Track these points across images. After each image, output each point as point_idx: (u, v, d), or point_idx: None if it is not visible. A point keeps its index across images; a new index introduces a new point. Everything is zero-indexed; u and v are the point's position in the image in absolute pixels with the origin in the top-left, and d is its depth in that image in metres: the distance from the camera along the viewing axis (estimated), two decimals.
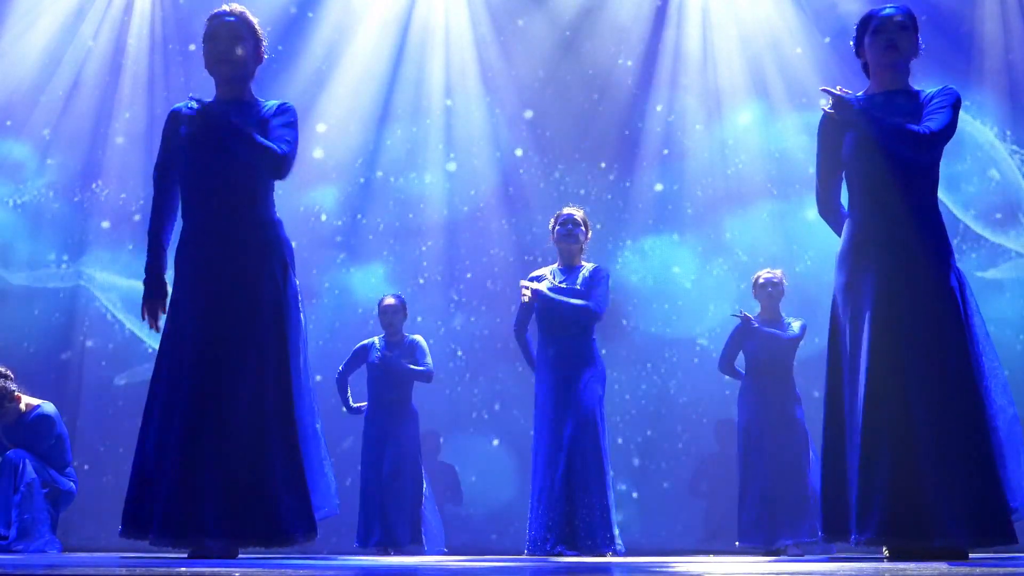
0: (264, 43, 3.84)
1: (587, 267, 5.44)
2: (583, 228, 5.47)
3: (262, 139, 3.60)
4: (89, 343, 8.01)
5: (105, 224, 8.13)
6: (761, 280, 6.42)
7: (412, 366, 6.54)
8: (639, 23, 8.44)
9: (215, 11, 3.80)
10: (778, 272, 6.47)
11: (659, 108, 8.33)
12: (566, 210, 5.56)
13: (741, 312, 6.35)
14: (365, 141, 8.40)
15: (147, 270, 3.72)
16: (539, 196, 8.24)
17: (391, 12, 8.54)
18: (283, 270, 3.68)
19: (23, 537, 5.82)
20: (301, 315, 3.75)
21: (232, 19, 3.74)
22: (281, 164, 3.63)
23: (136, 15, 8.35)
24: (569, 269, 5.43)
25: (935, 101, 3.64)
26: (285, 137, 3.65)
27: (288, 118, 3.72)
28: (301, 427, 3.61)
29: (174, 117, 3.82)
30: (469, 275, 8.23)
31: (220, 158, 3.64)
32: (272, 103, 3.79)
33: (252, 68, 3.80)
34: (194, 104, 3.69)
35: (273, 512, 3.44)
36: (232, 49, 3.71)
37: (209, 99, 3.77)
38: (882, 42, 3.70)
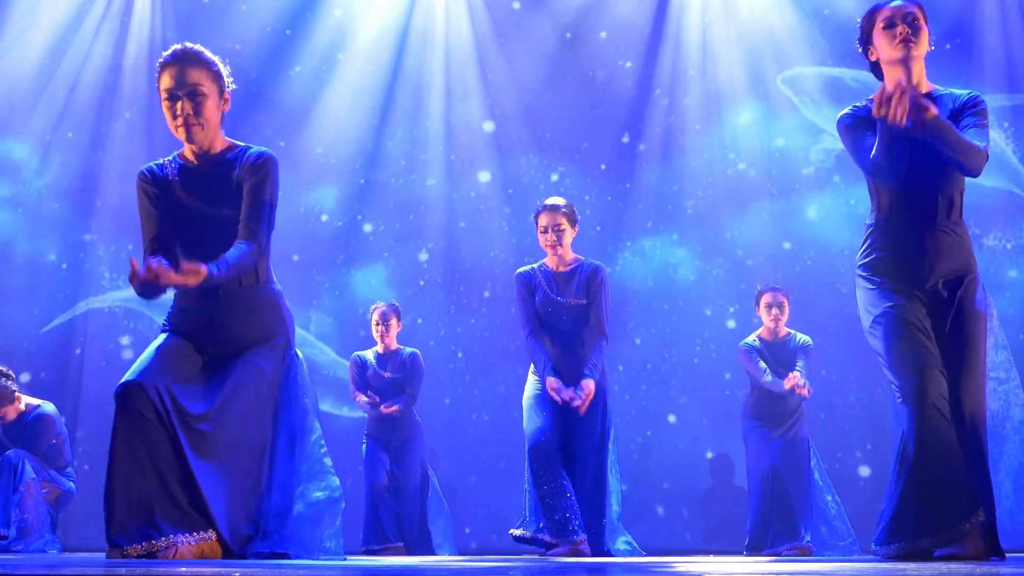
0: (227, 81, 3.48)
1: (582, 267, 5.17)
2: (568, 229, 5.13)
3: (242, 265, 3.34)
4: (89, 343, 8.01)
5: (105, 224, 8.12)
6: (766, 302, 6.27)
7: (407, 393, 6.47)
8: (639, 23, 8.44)
9: (165, 57, 3.42)
10: (782, 297, 6.28)
11: (659, 108, 8.33)
12: (547, 216, 5.14)
13: None
14: (365, 142, 8.40)
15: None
16: (539, 198, 8.20)
17: (391, 13, 8.54)
18: (284, 347, 3.54)
19: (23, 537, 5.82)
20: (302, 388, 3.59)
21: (187, 70, 3.37)
22: (260, 258, 3.43)
23: (136, 15, 8.36)
24: (559, 274, 5.15)
25: (972, 117, 3.48)
26: (254, 220, 3.39)
27: (259, 180, 3.43)
28: (286, 479, 3.48)
29: (150, 182, 3.49)
30: (469, 277, 8.22)
31: (215, 232, 3.42)
32: (251, 154, 3.48)
33: (219, 118, 3.47)
34: (170, 165, 3.51)
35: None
36: (195, 111, 3.38)
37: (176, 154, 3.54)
38: (893, 37, 3.52)
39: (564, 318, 5.09)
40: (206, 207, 3.43)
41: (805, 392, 5.98)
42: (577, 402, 4.92)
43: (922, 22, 3.56)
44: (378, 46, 8.51)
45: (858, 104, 3.66)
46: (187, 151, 3.50)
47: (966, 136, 3.39)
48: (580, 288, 5.11)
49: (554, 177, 8.27)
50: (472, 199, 8.35)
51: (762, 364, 6.16)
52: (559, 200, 5.21)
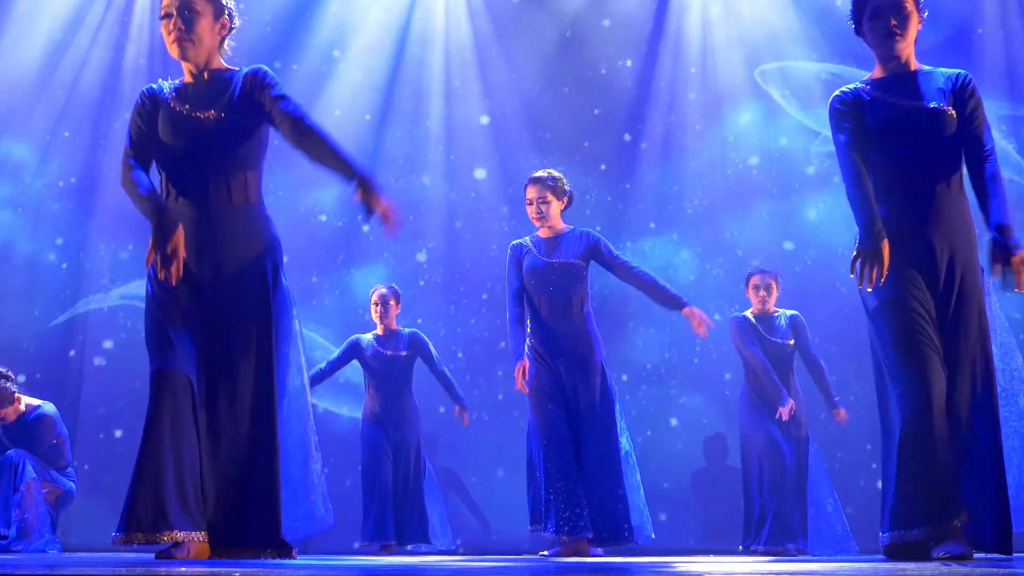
0: (229, 7, 3.56)
1: (573, 235, 5.28)
2: (553, 201, 5.25)
3: (342, 153, 3.68)
4: (89, 343, 8.01)
5: (105, 224, 8.12)
6: (754, 284, 6.36)
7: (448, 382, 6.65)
8: (639, 23, 8.44)
9: None
10: (771, 280, 6.34)
11: (660, 108, 8.33)
12: (532, 188, 5.29)
13: None
14: (365, 142, 8.40)
15: (151, 211, 3.37)
16: None
17: (391, 13, 8.54)
18: (274, 271, 3.51)
19: (23, 537, 5.82)
20: (293, 320, 3.58)
21: None
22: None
23: (136, 15, 8.36)
24: (549, 240, 5.28)
25: (975, 111, 3.50)
26: (291, 106, 3.64)
27: (272, 83, 3.61)
28: (283, 439, 3.41)
29: (147, 97, 3.55)
30: (469, 277, 8.22)
31: (211, 136, 3.45)
32: (245, 71, 3.56)
33: (216, 41, 3.54)
34: (168, 85, 3.55)
35: (240, 522, 3.29)
36: (187, 27, 3.45)
37: (178, 79, 3.58)
38: (881, 29, 3.53)
39: (553, 278, 5.19)
40: (202, 113, 3.47)
41: (786, 414, 6.01)
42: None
43: (911, 6, 3.54)
44: (378, 45, 8.52)
45: (847, 88, 3.67)
46: (186, 74, 3.57)
47: (988, 142, 3.47)
48: (570, 250, 5.23)
49: (557, 169, 8.28)
50: (472, 199, 8.36)
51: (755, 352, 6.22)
52: (544, 172, 5.36)
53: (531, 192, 5.29)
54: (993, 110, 7.76)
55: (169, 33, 3.47)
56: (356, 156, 3.52)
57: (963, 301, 3.45)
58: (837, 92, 3.67)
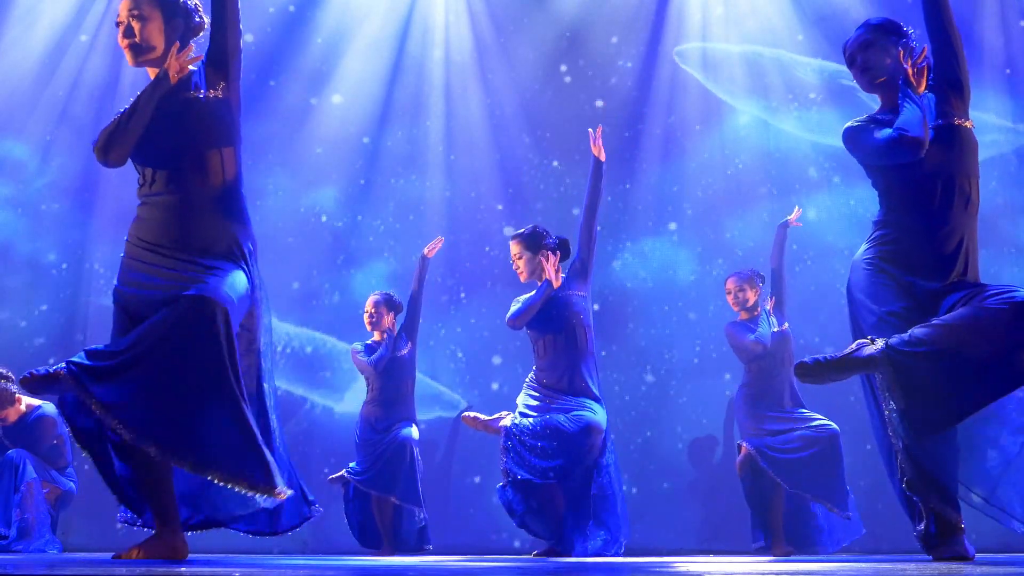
0: (189, 7, 3.57)
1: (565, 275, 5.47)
2: (528, 255, 5.42)
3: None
4: (89, 343, 7.99)
5: (105, 224, 8.12)
6: (726, 289, 6.46)
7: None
8: (639, 24, 8.44)
9: None
10: (740, 282, 6.39)
11: (659, 108, 8.33)
12: (511, 245, 5.53)
13: None
14: (365, 142, 8.40)
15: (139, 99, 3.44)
16: (539, 197, 8.24)
17: (391, 13, 8.54)
18: (241, 254, 3.44)
19: (23, 537, 5.83)
20: (261, 308, 3.53)
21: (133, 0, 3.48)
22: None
23: None
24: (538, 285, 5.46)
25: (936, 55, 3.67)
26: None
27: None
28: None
29: None
30: (469, 277, 8.22)
31: (182, 128, 3.44)
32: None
33: (172, 42, 3.49)
34: None
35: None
36: (134, 34, 3.48)
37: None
38: (857, 70, 3.67)
39: (550, 315, 5.30)
40: (173, 98, 3.46)
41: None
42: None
43: (877, 45, 3.62)
44: (378, 45, 8.52)
45: (858, 118, 3.74)
46: (151, 77, 3.56)
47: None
48: (561, 286, 5.35)
49: (555, 163, 8.28)
50: (471, 198, 8.35)
51: (750, 336, 6.23)
52: (525, 229, 5.57)
53: (511, 249, 5.51)
54: (994, 111, 7.76)
55: (121, 41, 3.52)
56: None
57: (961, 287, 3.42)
58: (851, 123, 3.72)
